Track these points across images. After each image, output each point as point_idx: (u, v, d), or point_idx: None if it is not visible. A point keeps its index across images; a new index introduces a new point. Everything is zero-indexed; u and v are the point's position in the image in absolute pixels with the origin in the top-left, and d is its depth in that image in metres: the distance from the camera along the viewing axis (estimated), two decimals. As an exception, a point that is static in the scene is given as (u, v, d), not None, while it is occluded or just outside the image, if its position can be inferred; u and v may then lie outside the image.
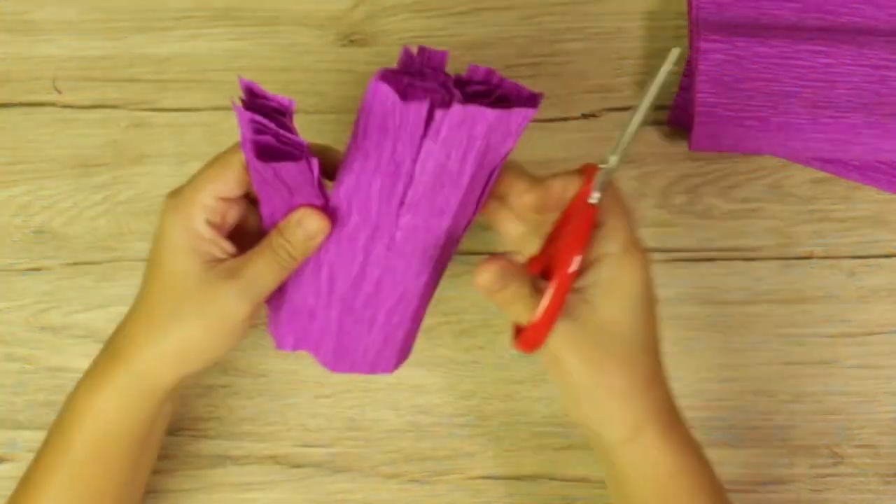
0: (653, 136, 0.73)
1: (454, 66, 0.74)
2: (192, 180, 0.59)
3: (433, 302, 0.69)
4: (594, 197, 0.56)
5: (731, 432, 0.71)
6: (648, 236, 0.72)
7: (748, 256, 0.72)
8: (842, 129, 0.68)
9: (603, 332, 0.55)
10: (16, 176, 0.74)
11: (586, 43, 0.74)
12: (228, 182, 0.58)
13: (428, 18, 0.75)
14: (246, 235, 0.60)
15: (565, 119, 0.74)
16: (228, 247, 0.59)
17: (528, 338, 0.55)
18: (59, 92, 0.75)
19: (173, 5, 0.75)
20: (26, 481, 0.62)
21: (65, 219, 0.73)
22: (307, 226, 0.57)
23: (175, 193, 0.59)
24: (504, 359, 0.72)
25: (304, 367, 0.72)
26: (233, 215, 0.60)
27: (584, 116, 0.74)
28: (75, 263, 0.73)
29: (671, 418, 0.57)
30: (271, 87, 0.74)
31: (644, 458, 0.57)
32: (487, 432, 0.71)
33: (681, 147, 0.73)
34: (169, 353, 0.58)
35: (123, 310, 0.72)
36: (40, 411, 0.72)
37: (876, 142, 0.69)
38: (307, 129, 0.73)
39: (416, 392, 0.72)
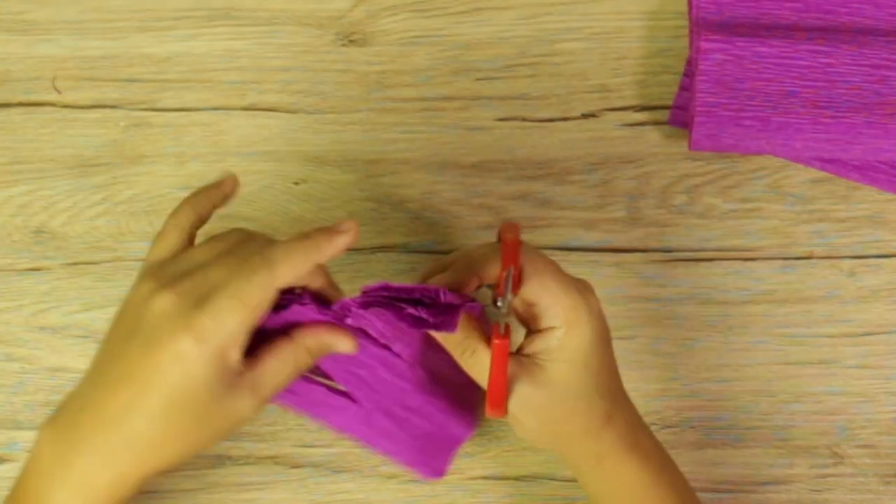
0: (653, 136, 0.73)
1: (455, 66, 0.74)
2: (225, 324, 0.53)
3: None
4: (501, 329, 0.57)
5: (731, 432, 0.71)
6: (648, 236, 0.72)
7: (748, 256, 0.72)
8: (842, 129, 0.68)
9: (556, 391, 0.58)
10: (15, 176, 0.74)
11: (586, 43, 0.74)
12: (263, 314, 0.55)
13: (428, 18, 0.75)
14: None
15: (565, 119, 0.74)
16: (243, 361, 0.56)
17: (489, 404, 0.58)
18: (59, 92, 0.75)
19: (173, 5, 0.75)
20: None
21: (64, 219, 0.73)
22: (341, 350, 0.59)
23: (203, 333, 0.53)
24: (504, 359, 0.72)
25: (303, 367, 0.72)
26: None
27: (584, 116, 0.74)
28: (75, 263, 0.73)
29: (632, 440, 0.61)
30: (271, 87, 0.74)
31: (610, 479, 0.61)
32: (487, 432, 0.71)
33: (681, 147, 0.73)
34: (173, 465, 0.55)
35: (123, 310, 0.72)
36: (40, 411, 0.72)
37: (876, 142, 0.69)
38: (307, 128, 0.74)
39: (415, 392, 0.72)
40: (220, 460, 0.71)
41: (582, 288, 0.59)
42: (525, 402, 0.58)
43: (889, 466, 0.70)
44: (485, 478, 0.71)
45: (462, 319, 0.58)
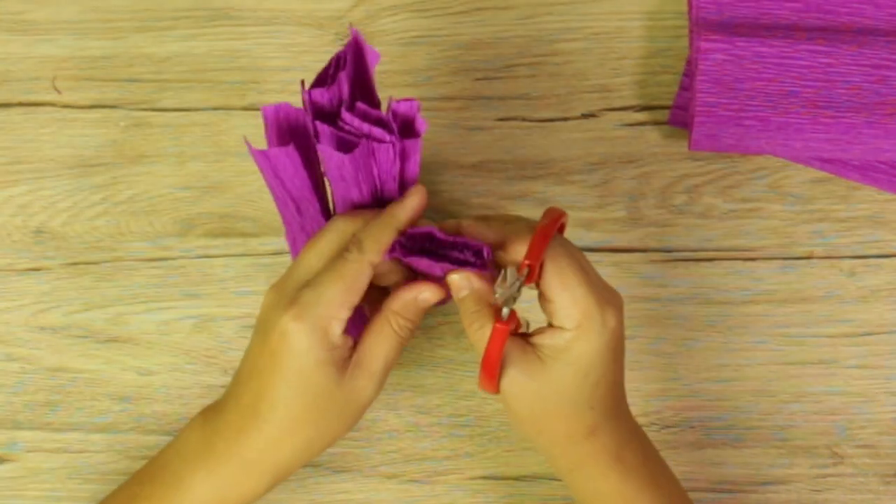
0: (653, 136, 0.73)
1: (455, 66, 0.74)
2: (322, 297, 0.57)
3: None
4: (504, 314, 0.57)
5: (731, 432, 0.71)
6: (648, 236, 0.72)
7: (748, 256, 0.72)
8: (842, 129, 0.68)
9: (550, 390, 0.58)
10: (15, 176, 0.74)
11: (586, 43, 0.74)
12: (361, 290, 0.58)
13: (427, 18, 0.75)
14: None
15: (565, 119, 0.74)
16: (350, 341, 0.59)
17: (481, 378, 0.58)
18: (59, 92, 0.75)
19: (172, 5, 0.75)
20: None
21: (64, 219, 0.73)
22: (427, 297, 0.59)
23: (301, 315, 0.57)
24: (504, 359, 0.72)
25: (303, 367, 0.72)
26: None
27: (584, 116, 0.74)
28: (75, 263, 0.73)
29: (616, 454, 0.60)
30: (271, 87, 0.74)
31: (586, 486, 0.61)
32: (487, 432, 0.71)
33: (681, 147, 0.73)
34: (308, 456, 0.60)
35: (124, 309, 0.72)
36: (40, 411, 0.72)
37: (876, 142, 0.69)
38: (307, 128, 0.74)
39: (416, 392, 0.72)
40: (220, 460, 0.71)
41: (605, 299, 0.58)
42: (516, 388, 0.58)
43: (889, 466, 0.70)
44: (485, 478, 0.71)
45: (478, 291, 0.58)
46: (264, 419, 0.58)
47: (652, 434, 0.71)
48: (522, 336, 0.59)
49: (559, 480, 0.71)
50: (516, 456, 0.71)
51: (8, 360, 0.72)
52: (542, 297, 0.58)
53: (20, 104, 0.75)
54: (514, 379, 0.58)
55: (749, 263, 0.72)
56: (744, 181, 0.73)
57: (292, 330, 0.57)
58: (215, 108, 0.74)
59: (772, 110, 0.68)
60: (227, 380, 0.72)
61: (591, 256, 0.72)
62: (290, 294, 0.58)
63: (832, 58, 0.67)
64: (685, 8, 0.74)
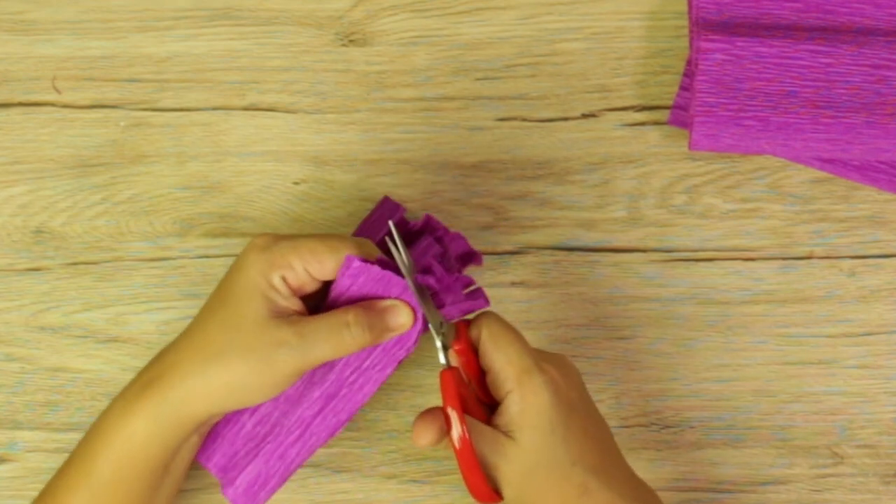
0: (653, 136, 0.73)
1: (455, 66, 0.74)
2: (293, 240, 0.60)
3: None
4: (441, 360, 0.60)
5: (731, 432, 0.71)
6: (648, 236, 0.72)
7: (748, 256, 0.72)
8: (842, 129, 0.68)
9: (528, 461, 0.59)
10: (15, 176, 0.74)
11: (586, 43, 0.74)
12: (325, 266, 0.60)
13: (427, 18, 0.75)
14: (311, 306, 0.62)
15: (565, 119, 0.74)
16: (299, 306, 0.60)
17: (476, 495, 0.60)
18: (59, 92, 0.75)
19: (172, 5, 0.75)
20: (47, 496, 0.62)
21: (64, 219, 0.73)
22: (396, 317, 0.60)
23: (268, 240, 0.60)
24: (504, 359, 0.72)
25: (303, 367, 0.72)
26: (309, 289, 0.61)
27: (584, 116, 0.74)
28: (74, 263, 0.73)
29: None
30: (271, 87, 0.74)
31: None
32: (487, 432, 0.71)
33: (681, 147, 0.73)
34: (209, 388, 0.59)
35: (123, 309, 0.72)
36: (40, 411, 0.72)
37: (876, 142, 0.69)
38: (306, 128, 0.74)
39: (416, 392, 0.72)
40: (220, 460, 0.71)
41: (542, 358, 0.60)
42: (500, 475, 0.59)
43: (889, 466, 0.70)
44: (485, 478, 0.71)
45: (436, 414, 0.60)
46: (182, 335, 0.61)
47: (652, 434, 0.71)
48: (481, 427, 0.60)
49: (559, 480, 0.71)
50: (516, 456, 0.71)
51: (8, 360, 0.72)
52: (486, 375, 0.61)
53: (20, 104, 0.75)
54: (496, 466, 0.59)
55: (749, 263, 0.72)
56: (744, 181, 0.73)
57: (249, 249, 0.60)
58: (215, 108, 0.74)
59: (772, 110, 0.68)
60: (227, 380, 0.72)
61: (591, 256, 0.72)
62: (273, 234, 0.61)
63: (832, 58, 0.67)
64: (685, 8, 0.74)
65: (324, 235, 0.61)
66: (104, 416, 0.62)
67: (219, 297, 0.61)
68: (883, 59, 0.67)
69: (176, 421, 0.60)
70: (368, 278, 0.60)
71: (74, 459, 0.62)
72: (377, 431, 0.71)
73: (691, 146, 0.71)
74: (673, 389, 0.71)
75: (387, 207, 0.70)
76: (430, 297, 0.61)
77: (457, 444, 0.58)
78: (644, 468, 0.71)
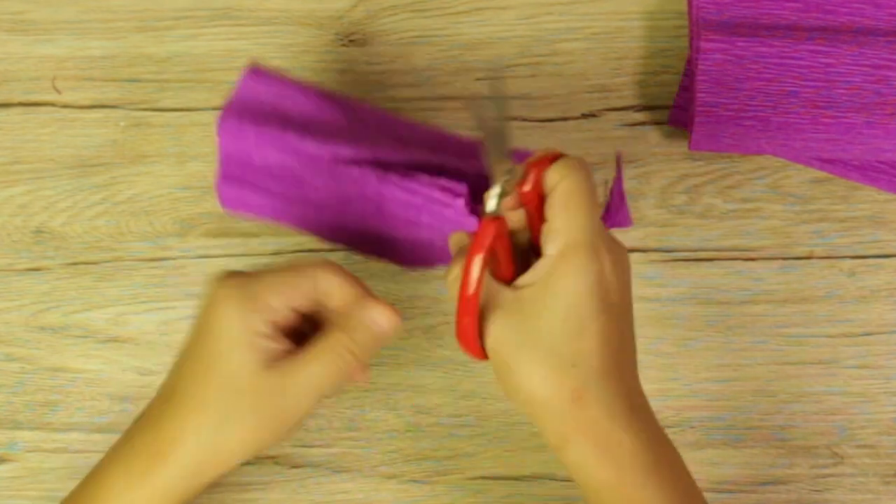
0: (653, 136, 0.73)
1: (456, 66, 0.74)
2: (262, 278, 0.56)
3: (433, 301, 0.69)
4: (489, 206, 0.53)
5: (731, 432, 0.71)
6: (648, 236, 0.72)
7: (748, 256, 0.72)
8: (842, 129, 0.68)
9: (531, 337, 0.52)
10: (15, 176, 0.74)
11: (586, 43, 0.74)
12: (305, 295, 0.56)
13: (427, 18, 0.75)
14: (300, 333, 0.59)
15: (565, 119, 0.74)
16: (286, 341, 0.56)
17: (458, 331, 0.54)
18: (59, 92, 0.75)
19: (173, 5, 0.75)
20: None
21: (64, 219, 0.73)
22: (380, 323, 0.56)
23: (238, 283, 0.55)
24: (504, 359, 0.71)
25: (303, 367, 0.72)
26: (294, 323, 0.57)
27: (584, 116, 0.74)
28: (74, 263, 0.73)
29: (608, 433, 0.52)
30: (271, 87, 0.74)
31: (576, 469, 0.54)
32: (487, 432, 0.71)
33: (681, 147, 0.73)
34: (221, 452, 0.55)
35: (123, 309, 0.72)
36: (40, 411, 0.72)
37: (876, 142, 0.69)
38: (307, 128, 0.74)
39: (416, 392, 0.72)
40: (220, 460, 0.71)
41: (602, 240, 0.53)
42: (499, 338, 0.53)
43: (889, 466, 0.70)
44: (485, 478, 0.71)
45: (461, 238, 0.56)
46: (177, 402, 0.55)
47: (652, 434, 0.71)
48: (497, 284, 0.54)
49: (559, 480, 0.71)
50: (516, 456, 0.71)
51: (8, 360, 0.72)
52: (543, 225, 0.54)
53: (20, 104, 0.75)
54: (496, 328, 0.53)
55: (749, 263, 0.72)
56: (744, 181, 0.73)
57: (220, 299, 0.55)
58: (215, 108, 0.74)
59: (772, 110, 0.68)
60: (227, 380, 0.72)
61: (591, 256, 0.72)
62: (236, 273, 0.56)
63: (832, 58, 0.67)
64: (685, 8, 0.74)
65: (294, 265, 0.57)
66: (102, 482, 0.58)
67: (204, 356, 0.56)
68: (883, 60, 0.67)
69: (188, 491, 0.56)
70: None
71: None
72: (377, 431, 0.71)
73: (691, 146, 0.71)
74: (673, 389, 0.71)
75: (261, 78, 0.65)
76: (500, 134, 0.53)
77: (470, 288, 0.52)
78: (644, 468, 0.71)
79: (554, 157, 0.55)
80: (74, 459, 0.71)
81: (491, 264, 0.54)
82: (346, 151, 0.59)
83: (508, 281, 0.55)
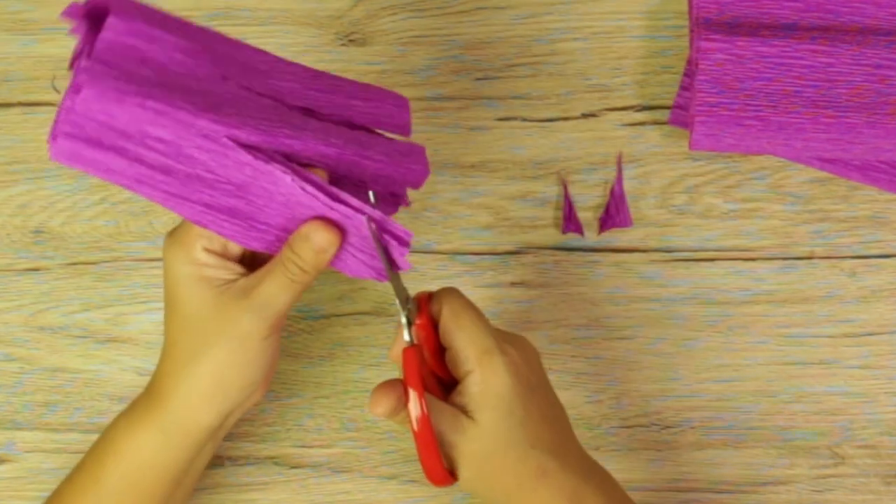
0: (653, 136, 0.73)
1: (455, 66, 0.74)
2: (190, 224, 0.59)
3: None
4: (405, 338, 0.59)
5: (732, 432, 0.71)
6: (648, 236, 0.72)
7: (748, 256, 0.72)
8: (842, 129, 0.68)
9: (487, 442, 0.58)
10: (14, 176, 0.74)
11: (586, 42, 0.74)
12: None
13: (427, 18, 0.74)
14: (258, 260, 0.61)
15: (565, 119, 0.73)
16: (237, 267, 0.59)
17: (430, 477, 0.59)
18: (58, 91, 0.74)
19: (172, 5, 0.75)
20: (56, 499, 0.62)
21: (63, 219, 0.73)
22: (316, 240, 0.57)
23: (172, 231, 0.59)
24: (504, 359, 0.71)
25: (303, 367, 0.72)
26: (237, 249, 0.59)
27: (584, 116, 0.73)
28: (74, 263, 0.73)
29: (573, 494, 0.59)
30: (271, 87, 0.74)
31: None
32: (487, 432, 0.71)
33: (681, 147, 0.73)
34: (202, 389, 0.59)
35: (123, 309, 0.72)
36: (39, 411, 0.72)
37: (876, 142, 0.69)
38: (307, 128, 0.73)
39: (415, 392, 0.72)
40: (220, 461, 0.71)
41: (502, 338, 0.59)
42: (458, 453, 0.58)
43: (890, 467, 0.70)
44: (485, 478, 0.71)
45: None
46: (163, 356, 0.60)
47: (652, 434, 0.71)
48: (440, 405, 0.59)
49: (559, 481, 0.71)
50: (516, 456, 0.71)
51: (7, 360, 0.72)
52: (447, 352, 0.59)
53: (19, 104, 0.74)
54: (454, 444, 0.58)
55: (749, 263, 0.72)
56: (744, 181, 0.73)
57: (166, 249, 0.59)
58: (215, 108, 0.74)
59: (772, 110, 0.68)
60: (227, 380, 0.72)
61: (591, 256, 0.72)
62: (177, 226, 0.60)
63: (833, 58, 0.67)
64: (685, 8, 0.74)
65: None
66: (111, 430, 0.62)
67: (168, 303, 0.60)
68: (884, 59, 0.67)
69: (183, 430, 0.60)
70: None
71: (85, 466, 0.62)
72: (377, 431, 0.71)
73: (691, 146, 0.71)
74: (673, 389, 0.71)
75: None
76: (394, 272, 0.59)
77: (415, 424, 0.57)
78: (644, 468, 0.71)
79: (429, 296, 0.60)
80: (73, 459, 0.71)
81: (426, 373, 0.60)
82: (243, 133, 0.54)
83: (446, 378, 0.60)
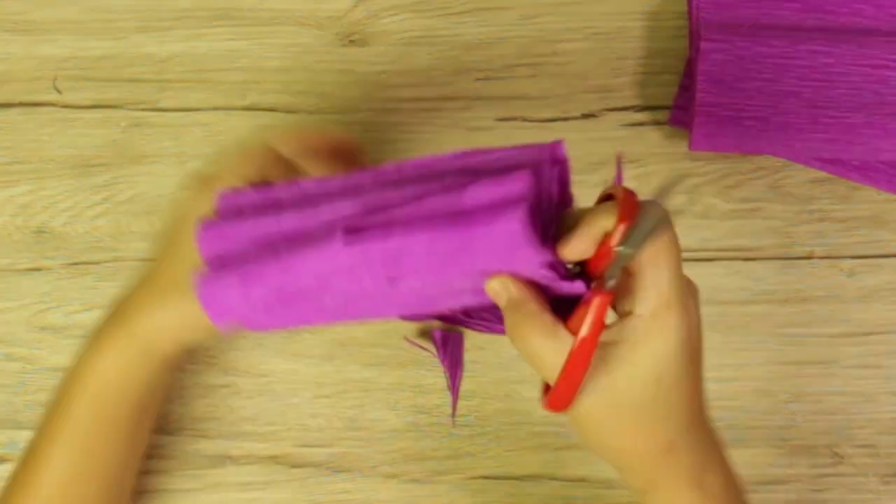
0: (653, 136, 0.73)
1: (455, 66, 0.74)
2: (219, 163, 0.59)
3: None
4: (609, 284, 0.50)
5: (732, 432, 0.71)
6: (648, 236, 0.72)
7: (748, 256, 0.72)
8: (842, 129, 0.68)
9: (619, 401, 0.52)
10: (16, 176, 0.74)
11: (586, 43, 0.74)
12: (258, 168, 0.59)
13: (428, 18, 0.75)
14: None
15: (565, 119, 0.74)
16: None
17: (552, 400, 0.52)
18: (60, 92, 0.75)
19: (173, 5, 0.75)
20: (31, 451, 0.62)
21: (65, 219, 0.73)
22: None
23: (194, 176, 0.60)
24: (504, 359, 0.72)
25: (304, 366, 0.72)
26: None
27: (584, 116, 0.74)
28: (75, 263, 0.73)
29: (697, 477, 0.54)
30: (271, 87, 0.74)
31: None
32: (487, 432, 0.71)
33: (681, 147, 0.73)
34: (170, 319, 0.59)
35: (124, 310, 0.72)
36: (41, 411, 0.72)
37: (876, 142, 0.69)
38: (307, 129, 0.74)
39: (416, 392, 0.72)
40: (221, 460, 0.71)
41: (688, 290, 0.52)
42: (587, 403, 0.52)
43: (889, 466, 0.70)
44: (485, 478, 0.71)
45: (516, 297, 0.52)
46: (140, 278, 0.61)
47: (652, 434, 0.71)
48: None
49: (559, 480, 0.71)
50: (516, 456, 0.71)
51: (9, 360, 0.72)
52: (626, 273, 0.51)
53: (21, 104, 0.75)
54: (584, 389, 0.51)
55: (749, 263, 0.72)
56: (744, 181, 0.73)
57: (185, 189, 0.59)
58: (216, 108, 0.74)
59: (772, 110, 0.68)
60: (228, 379, 0.72)
61: (591, 256, 0.72)
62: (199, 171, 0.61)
63: (832, 58, 0.67)
64: (685, 8, 0.74)
65: (246, 148, 0.60)
66: (76, 360, 0.62)
67: (170, 236, 0.60)
68: (883, 60, 0.67)
69: (146, 355, 0.60)
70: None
71: (52, 407, 0.62)
72: (377, 431, 0.71)
73: (691, 146, 0.71)
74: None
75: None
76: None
77: (584, 333, 0.49)
78: (644, 468, 0.71)
79: (635, 202, 0.51)
80: (75, 459, 0.72)
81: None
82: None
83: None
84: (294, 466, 0.71)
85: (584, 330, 0.49)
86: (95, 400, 0.61)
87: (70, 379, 0.62)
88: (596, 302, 0.49)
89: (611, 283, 0.49)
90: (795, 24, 0.71)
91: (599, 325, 0.50)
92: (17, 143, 0.74)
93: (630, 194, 0.51)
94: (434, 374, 0.72)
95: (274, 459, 0.72)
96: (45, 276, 0.73)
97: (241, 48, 0.75)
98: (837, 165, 0.72)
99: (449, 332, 0.70)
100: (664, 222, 0.50)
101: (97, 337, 0.61)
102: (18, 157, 0.74)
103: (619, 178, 0.69)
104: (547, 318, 0.52)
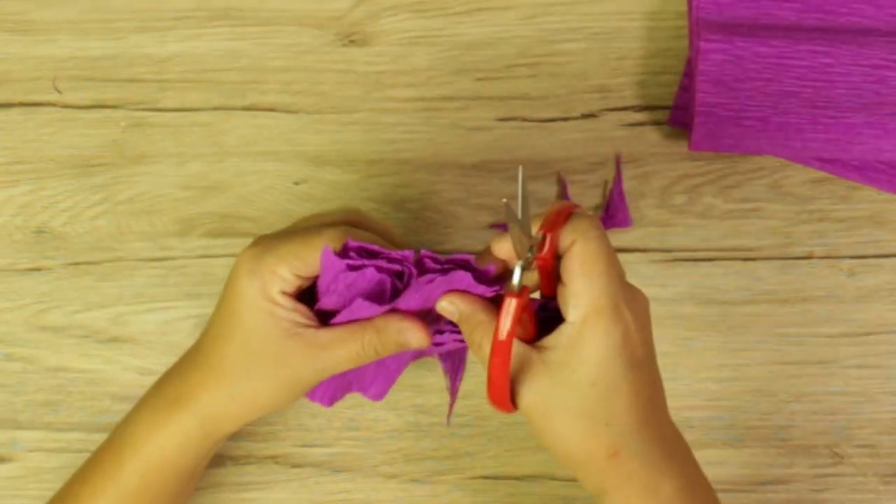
0: (653, 136, 0.73)
1: (455, 66, 0.74)
2: (277, 249, 0.57)
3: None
4: (511, 285, 0.52)
5: (731, 432, 0.71)
6: (648, 236, 0.72)
7: (748, 256, 0.72)
8: (842, 129, 0.68)
9: (562, 401, 0.53)
10: (16, 176, 0.74)
11: (586, 43, 0.74)
12: (309, 264, 0.57)
13: (428, 18, 0.75)
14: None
15: (565, 119, 0.74)
16: (307, 313, 0.58)
17: (490, 398, 0.54)
18: (59, 92, 0.75)
19: (173, 5, 0.75)
20: (68, 498, 0.62)
21: (65, 219, 0.73)
22: (408, 339, 0.58)
23: (254, 257, 0.58)
24: (504, 359, 0.72)
25: (304, 366, 0.72)
26: (305, 285, 0.59)
27: (584, 116, 0.74)
28: (75, 263, 0.73)
29: (647, 484, 0.54)
30: (271, 87, 0.74)
31: None
32: (487, 432, 0.71)
33: (681, 147, 0.73)
34: (237, 405, 0.59)
35: (124, 309, 0.72)
36: (40, 411, 0.72)
37: (876, 142, 0.69)
38: (307, 129, 0.74)
39: (416, 392, 0.72)
40: (221, 460, 0.71)
41: (623, 297, 0.53)
42: (532, 399, 0.53)
43: (889, 466, 0.70)
44: (485, 477, 0.71)
45: (465, 312, 0.56)
46: (202, 358, 0.60)
47: (652, 434, 0.71)
48: (531, 344, 0.54)
49: (559, 480, 0.71)
50: (516, 456, 0.71)
51: (8, 360, 0.72)
52: (559, 285, 0.54)
53: (21, 104, 0.75)
54: (530, 388, 0.53)
55: (749, 263, 0.72)
56: (744, 181, 0.73)
57: (238, 271, 0.58)
58: (216, 108, 0.74)
59: (772, 110, 0.68)
60: (228, 380, 0.72)
61: (591, 256, 0.72)
62: (259, 240, 0.59)
63: (832, 58, 0.67)
64: (685, 8, 0.74)
65: (307, 234, 0.58)
66: (129, 425, 0.61)
67: (228, 319, 0.59)
68: (883, 60, 0.67)
69: (205, 436, 0.60)
70: (345, 274, 0.58)
71: (99, 466, 0.62)
72: (377, 431, 0.71)
73: (691, 146, 0.71)
74: (673, 389, 0.71)
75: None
76: (518, 220, 0.52)
77: (501, 335, 0.51)
78: (644, 468, 0.71)
79: (566, 214, 0.54)
80: (75, 459, 0.71)
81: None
82: None
83: (529, 340, 0.55)
84: (294, 466, 0.71)
85: (502, 332, 0.52)
86: (148, 468, 0.60)
87: (121, 441, 0.62)
88: (507, 303, 0.52)
89: (514, 283, 0.52)
90: (795, 23, 0.71)
91: (514, 326, 0.52)
92: (17, 143, 0.74)
93: (564, 208, 0.54)
94: (434, 374, 0.72)
95: (273, 459, 0.72)
96: (44, 276, 0.73)
97: (241, 48, 0.75)
98: (837, 165, 0.72)
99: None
100: (591, 232, 0.53)
101: (155, 409, 0.61)
102: (18, 157, 0.74)
103: (618, 178, 0.69)
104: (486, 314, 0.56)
